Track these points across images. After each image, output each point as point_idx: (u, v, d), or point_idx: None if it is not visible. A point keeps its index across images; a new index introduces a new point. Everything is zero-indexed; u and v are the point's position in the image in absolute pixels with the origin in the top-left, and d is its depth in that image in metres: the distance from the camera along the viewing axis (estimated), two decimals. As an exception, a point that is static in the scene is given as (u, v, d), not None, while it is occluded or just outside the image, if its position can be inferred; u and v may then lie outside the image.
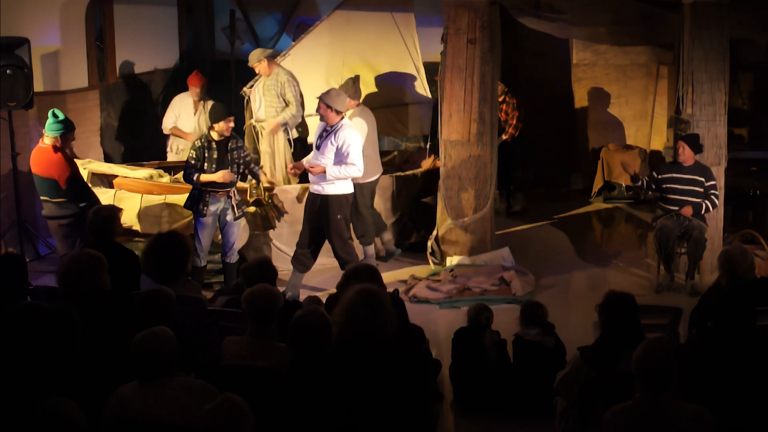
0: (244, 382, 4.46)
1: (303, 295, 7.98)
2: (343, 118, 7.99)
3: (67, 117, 8.12)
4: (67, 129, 8.02)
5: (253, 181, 8.67)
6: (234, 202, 8.07)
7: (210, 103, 9.99)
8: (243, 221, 8.40)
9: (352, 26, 10.21)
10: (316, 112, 8.20)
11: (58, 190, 7.92)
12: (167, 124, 10.34)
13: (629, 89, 12.14)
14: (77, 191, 8.01)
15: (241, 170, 8.14)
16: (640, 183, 8.72)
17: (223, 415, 3.74)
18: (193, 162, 7.95)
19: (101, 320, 4.87)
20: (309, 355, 4.48)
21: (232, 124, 8.03)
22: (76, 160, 9.32)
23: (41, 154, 8.04)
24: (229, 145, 8.02)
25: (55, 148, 7.95)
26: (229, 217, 8.07)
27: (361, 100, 9.20)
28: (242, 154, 8.13)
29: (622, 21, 9.08)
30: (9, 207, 9.19)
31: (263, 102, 9.65)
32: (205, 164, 7.96)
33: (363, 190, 8.76)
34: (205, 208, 7.96)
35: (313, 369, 4.40)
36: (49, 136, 7.96)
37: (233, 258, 8.21)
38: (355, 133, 8.03)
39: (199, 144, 8.00)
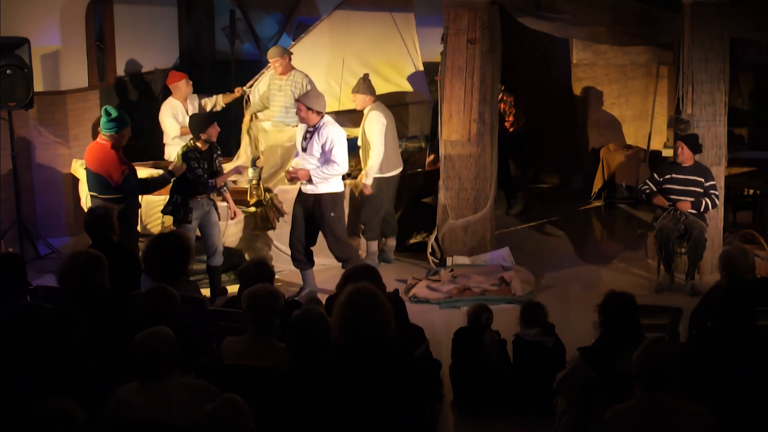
0: (244, 382, 4.46)
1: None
2: (323, 117, 8.02)
3: (121, 112, 7.97)
4: (122, 125, 7.87)
5: (254, 182, 8.66)
6: (216, 203, 8.08)
7: (195, 96, 9.96)
8: (237, 222, 8.37)
9: (352, 26, 10.21)
10: (295, 114, 8.26)
11: (108, 187, 7.78)
12: (173, 130, 9.79)
13: (629, 89, 12.14)
14: (131, 189, 7.91)
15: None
16: (642, 187, 8.67)
17: (223, 415, 3.75)
18: (198, 169, 7.85)
19: (101, 320, 4.88)
20: (308, 354, 4.47)
21: (218, 129, 8.03)
22: (75, 159, 9.38)
23: (95, 150, 7.91)
24: (213, 154, 8.04)
25: (113, 145, 7.82)
26: (214, 218, 8.04)
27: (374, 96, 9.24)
28: (220, 161, 8.23)
29: (622, 21, 9.07)
30: (9, 207, 9.19)
31: (273, 102, 9.60)
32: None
33: (389, 184, 9.00)
34: (190, 215, 7.92)
35: (312, 368, 4.40)
36: (105, 134, 7.81)
37: (218, 261, 8.13)
38: (339, 130, 8.05)
39: (193, 156, 7.90)
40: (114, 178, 7.70)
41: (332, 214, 8.01)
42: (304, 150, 8.05)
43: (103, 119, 7.85)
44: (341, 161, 7.91)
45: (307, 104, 7.93)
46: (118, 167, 7.75)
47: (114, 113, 7.86)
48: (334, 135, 7.91)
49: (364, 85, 9.15)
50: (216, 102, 10.02)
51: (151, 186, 8.08)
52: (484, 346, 6.21)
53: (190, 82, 9.86)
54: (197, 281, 8.30)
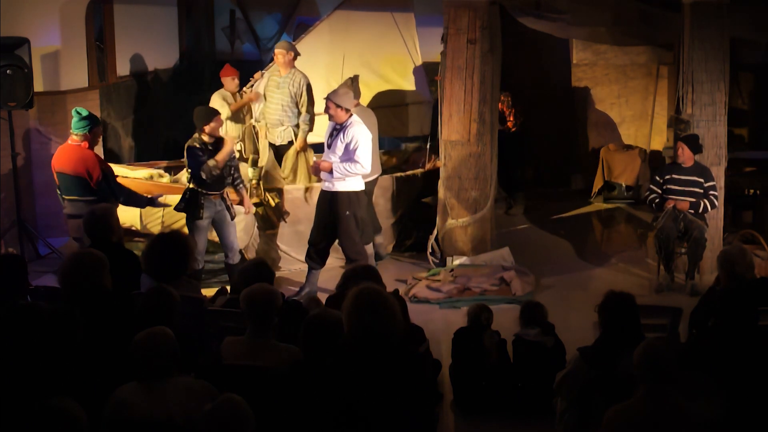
0: (244, 382, 4.46)
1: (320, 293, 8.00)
2: (351, 115, 8.03)
3: (91, 113, 7.99)
4: (94, 124, 7.90)
5: (254, 181, 8.68)
6: (229, 203, 8.07)
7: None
8: (244, 222, 8.40)
9: (352, 26, 10.22)
10: (325, 112, 8.24)
11: (88, 188, 7.76)
12: (222, 111, 9.50)
13: (629, 89, 12.15)
14: (110, 188, 7.89)
15: (233, 173, 8.11)
16: (650, 196, 8.64)
17: (223, 415, 3.75)
18: (200, 154, 7.85)
19: (102, 320, 4.88)
20: (321, 356, 4.46)
21: (221, 123, 8.07)
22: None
23: (70, 152, 7.88)
24: (219, 149, 8.00)
25: (89, 146, 7.83)
26: (228, 217, 8.07)
27: (359, 100, 9.20)
28: (233, 156, 8.14)
29: (622, 21, 9.09)
30: (9, 207, 9.19)
31: (271, 99, 9.57)
32: None
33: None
34: (201, 211, 7.95)
35: (321, 369, 4.39)
36: (78, 134, 7.82)
37: (235, 258, 8.18)
38: (364, 130, 8.05)
39: (198, 146, 7.94)
40: (94, 177, 7.74)
41: (347, 213, 8.02)
42: (329, 146, 8.10)
43: (75, 119, 7.88)
44: (364, 162, 7.93)
45: (336, 101, 7.96)
46: (97, 166, 7.80)
47: (85, 113, 7.92)
48: (359, 135, 7.93)
49: (351, 87, 9.01)
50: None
51: (130, 199, 8.09)
52: (484, 346, 6.21)
53: (237, 82, 9.98)
54: (206, 280, 8.34)
